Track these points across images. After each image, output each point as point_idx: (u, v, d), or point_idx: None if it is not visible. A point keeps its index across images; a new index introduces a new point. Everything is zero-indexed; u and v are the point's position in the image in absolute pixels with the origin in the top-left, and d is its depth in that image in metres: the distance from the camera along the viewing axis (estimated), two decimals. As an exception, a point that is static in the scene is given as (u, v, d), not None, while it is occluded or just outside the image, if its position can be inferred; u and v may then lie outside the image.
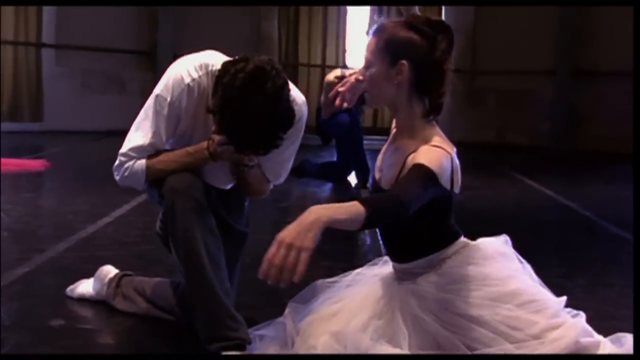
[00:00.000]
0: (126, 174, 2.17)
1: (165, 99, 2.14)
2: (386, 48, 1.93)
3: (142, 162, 2.16)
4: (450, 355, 1.85)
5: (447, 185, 1.87)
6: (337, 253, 3.36)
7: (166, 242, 2.19)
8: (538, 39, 9.94)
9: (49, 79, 9.24)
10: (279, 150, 2.10)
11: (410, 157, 1.89)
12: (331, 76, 5.76)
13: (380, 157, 2.11)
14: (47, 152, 7.20)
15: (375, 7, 5.52)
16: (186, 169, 2.13)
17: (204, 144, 2.13)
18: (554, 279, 2.70)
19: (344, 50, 10.55)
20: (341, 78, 6.01)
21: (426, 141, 1.91)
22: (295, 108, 2.08)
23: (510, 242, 2.06)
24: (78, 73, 9.60)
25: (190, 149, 2.15)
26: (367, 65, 1.97)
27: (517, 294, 1.89)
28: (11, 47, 8.95)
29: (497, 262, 1.97)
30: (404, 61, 1.91)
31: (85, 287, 2.58)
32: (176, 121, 2.17)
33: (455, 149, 1.93)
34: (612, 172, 7.73)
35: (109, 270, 2.54)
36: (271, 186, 2.36)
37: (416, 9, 5.95)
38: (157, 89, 2.17)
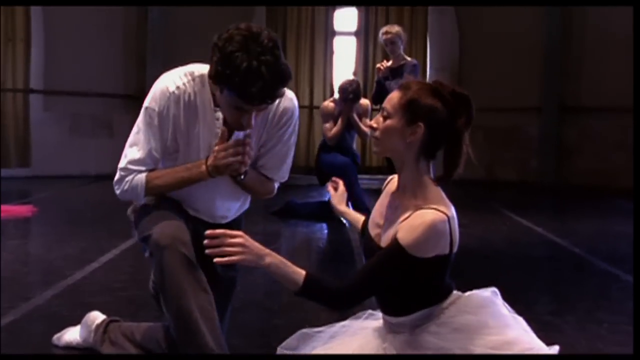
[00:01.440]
0: (126, 187, 2.22)
1: (154, 109, 2.21)
2: (407, 106, 1.96)
3: (141, 177, 2.21)
4: (450, 356, 1.88)
5: (445, 250, 1.91)
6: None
7: (159, 301, 2.15)
8: (523, 75, 10.07)
9: (37, 124, 9.24)
10: (278, 147, 2.25)
11: (403, 223, 1.92)
12: (327, 102, 6.19)
13: (376, 211, 2.10)
14: (35, 197, 7.16)
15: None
16: (184, 184, 2.21)
17: (202, 160, 2.19)
18: (544, 316, 2.71)
19: (332, 91, 10.66)
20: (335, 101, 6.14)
21: (426, 201, 1.93)
22: (289, 97, 2.25)
23: (499, 294, 2.07)
24: (66, 117, 9.61)
25: (189, 164, 2.21)
26: (385, 115, 2.00)
27: (515, 343, 1.92)
28: (-1, 93, 8.97)
29: (492, 312, 1.99)
30: (421, 123, 1.94)
31: (72, 334, 2.55)
32: (168, 131, 2.21)
33: (453, 208, 1.95)
34: (600, 207, 7.77)
35: (96, 317, 2.51)
36: (277, 185, 2.39)
37: (401, 48, 6.05)
38: (146, 102, 2.24)
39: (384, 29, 6.17)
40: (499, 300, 2.05)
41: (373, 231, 2.08)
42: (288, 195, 5.96)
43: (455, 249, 1.95)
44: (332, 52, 10.71)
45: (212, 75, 2.10)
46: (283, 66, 2.08)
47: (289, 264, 1.90)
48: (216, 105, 2.22)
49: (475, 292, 2.04)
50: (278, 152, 2.28)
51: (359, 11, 10.52)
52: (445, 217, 1.89)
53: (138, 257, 3.77)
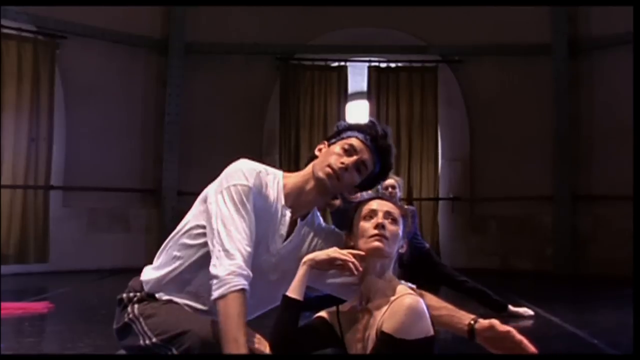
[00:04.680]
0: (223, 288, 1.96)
1: (246, 185, 2.07)
2: (403, 222, 2.13)
3: (240, 285, 1.96)
4: (450, 356, 1.84)
5: (430, 331, 1.95)
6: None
7: None
8: (534, 165, 10.17)
9: (55, 219, 9.39)
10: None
11: (384, 316, 1.97)
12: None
13: (352, 342, 2.09)
14: (51, 293, 7.19)
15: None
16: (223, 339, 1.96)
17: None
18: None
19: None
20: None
21: (396, 293, 2.02)
22: None
23: None
24: (84, 213, 9.77)
25: (244, 343, 1.93)
26: (393, 220, 2.10)
27: None
28: (21, 191, 9.16)
29: None
30: (405, 241, 2.16)
31: None
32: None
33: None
34: (617, 296, 7.64)
35: None
36: None
37: (398, 195, 6.06)
38: (228, 182, 2.08)
39: (384, 184, 6.16)
40: None
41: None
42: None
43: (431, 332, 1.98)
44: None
45: (330, 136, 2.23)
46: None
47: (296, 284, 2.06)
48: (287, 204, 2.18)
49: None
50: None
51: (370, 104, 10.77)
52: (420, 299, 1.97)
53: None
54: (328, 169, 2.16)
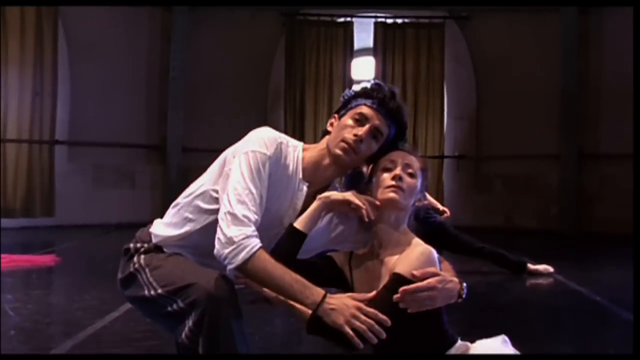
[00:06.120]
0: (237, 241, 1.93)
1: (265, 154, 2.04)
2: (422, 175, 2.10)
3: (254, 243, 1.94)
4: (449, 355, 1.89)
5: None
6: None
7: (189, 351, 2.01)
8: (540, 123, 10.10)
9: (61, 175, 9.42)
10: None
11: (397, 261, 1.97)
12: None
13: (361, 284, 2.09)
14: (58, 247, 7.25)
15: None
16: (284, 293, 1.94)
17: (320, 293, 1.90)
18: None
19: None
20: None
21: (410, 244, 2.01)
22: None
23: (509, 342, 2.06)
24: (90, 168, 9.79)
25: (308, 284, 1.91)
26: (410, 173, 2.07)
27: None
28: (26, 145, 9.17)
29: None
30: (423, 194, 2.12)
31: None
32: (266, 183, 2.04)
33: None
34: (621, 255, 7.66)
35: None
36: None
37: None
38: (248, 147, 2.04)
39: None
40: (509, 349, 2.04)
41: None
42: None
43: None
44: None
45: (338, 108, 2.19)
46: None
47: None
48: (305, 178, 2.15)
49: (484, 341, 2.03)
50: None
51: (376, 61, 10.67)
52: (434, 250, 1.97)
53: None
54: (343, 144, 2.11)
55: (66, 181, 9.44)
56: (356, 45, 10.70)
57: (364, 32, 10.71)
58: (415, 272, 1.89)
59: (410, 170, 2.06)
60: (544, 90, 10.07)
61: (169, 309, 2.02)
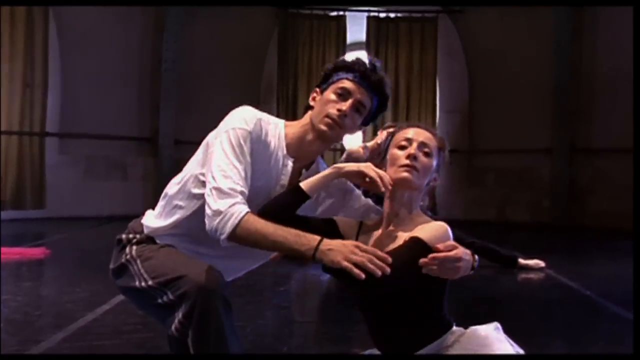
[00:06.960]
0: (224, 212, 1.94)
1: (246, 130, 2.05)
2: (439, 154, 2.07)
3: (241, 209, 1.94)
4: (449, 356, 1.89)
5: None
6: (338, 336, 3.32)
7: (179, 343, 2.01)
8: (533, 117, 10.12)
9: (51, 167, 9.38)
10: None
11: (414, 230, 1.96)
12: (357, 148, 5.59)
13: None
14: (48, 239, 7.22)
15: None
16: (281, 248, 1.93)
17: (316, 238, 1.88)
18: (556, 360, 2.67)
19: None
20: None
21: (422, 223, 2.00)
22: None
23: (501, 329, 2.06)
24: (81, 160, 9.75)
25: (300, 232, 1.90)
26: (426, 152, 2.04)
27: None
28: (16, 137, 9.12)
29: (497, 349, 1.98)
30: (439, 175, 2.08)
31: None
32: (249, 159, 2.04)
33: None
34: (612, 249, 7.70)
35: None
36: None
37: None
38: (230, 125, 2.05)
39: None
40: (501, 336, 2.04)
41: None
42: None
43: None
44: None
45: (319, 82, 2.18)
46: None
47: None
48: (289, 154, 2.15)
49: (478, 327, 2.03)
50: None
51: (369, 55, 10.65)
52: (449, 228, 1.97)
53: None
54: (328, 119, 2.12)
55: (57, 173, 9.40)
56: (349, 39, 10.70)
57: (356, 26, 10.69)
58: (439, 246, 1.87)
59: (426, 150, 2.03)
60: (536, 83, 10.09)
61: (160, 300, 2.01)
